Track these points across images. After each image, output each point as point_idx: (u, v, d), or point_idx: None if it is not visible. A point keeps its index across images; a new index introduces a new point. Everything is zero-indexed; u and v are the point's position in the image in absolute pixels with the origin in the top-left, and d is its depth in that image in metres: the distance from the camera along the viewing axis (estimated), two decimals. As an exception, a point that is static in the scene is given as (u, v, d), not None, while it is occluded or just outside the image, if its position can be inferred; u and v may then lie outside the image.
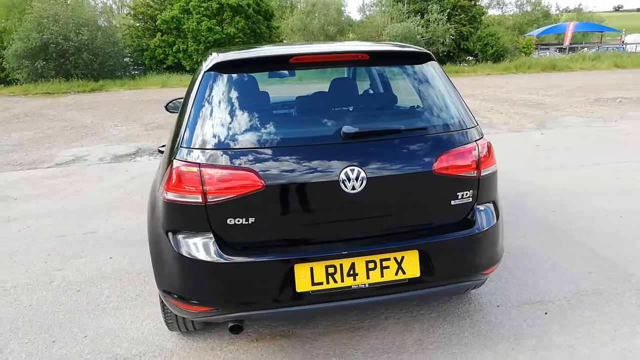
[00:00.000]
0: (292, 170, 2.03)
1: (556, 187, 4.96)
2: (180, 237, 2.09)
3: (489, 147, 2.32)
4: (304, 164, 2.04)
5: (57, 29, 20.54)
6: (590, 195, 4.68)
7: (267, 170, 2.01)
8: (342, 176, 2.02)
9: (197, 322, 2.54)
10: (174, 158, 2.10)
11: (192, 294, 2.11)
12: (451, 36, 22.32)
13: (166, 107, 4.26)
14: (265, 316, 2.15)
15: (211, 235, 2.05)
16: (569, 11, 46.42)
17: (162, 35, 25.64)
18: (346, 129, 2.06)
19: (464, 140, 2.24)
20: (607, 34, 35.08)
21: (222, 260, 2.02)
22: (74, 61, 21.49)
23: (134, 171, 6.40)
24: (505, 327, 2.63)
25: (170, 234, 2.11)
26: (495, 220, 2.32)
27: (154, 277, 3.27)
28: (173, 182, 2.07)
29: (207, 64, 2.28)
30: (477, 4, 24.34)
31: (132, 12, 26.64)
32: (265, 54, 2.35)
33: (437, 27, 22.12)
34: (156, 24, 25.36)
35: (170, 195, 2.08)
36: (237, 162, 2.02)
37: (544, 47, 30.96)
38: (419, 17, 22.45)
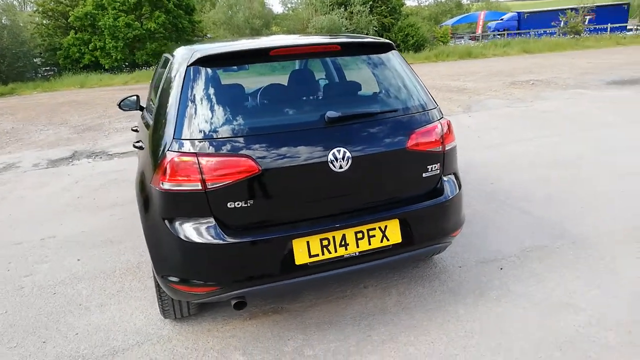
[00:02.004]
0: (285, 154, 2.20)
1: (490, 163, 5.48)
2: (181, 223, 2.20)
3: (449, 125, 2.63)
4: (295, 148, 2.22)
5: (-44, 29, 18.90)
6: (521, 168, 5.22)
7: (262, 155, 2.18)
8: (330, 156, 2.23)
9: (194, 305, 2.66)
10: (168, 150, 2.20)
11: (196, 275, 2.23)
12: (374, 27, 23.05)
13: (119, 106, 4.22)
14: (267, 290, 2.32)
15: (212, 219, 2.19)
16: (478, 1, 49.19)
17: (75, 33, 24.28)
18: (330, 113, 2.27)
19: (429, 120, 2.52)
20: (513, 22, 37.63)
21: (225, 242, 2.16)
22: (-21, 64, 19.88)
23: (77, 175, 6.20)
24: (470, 283, 2.97)
25: (169, 222, 2.22)
26: (458, 190, 2.64)
27: (131, 273, 3.35)
28: (169, 172, 2.17)
29: (186, 59, 2.38)
30: (397, -5, 25.27)
31: (39, 9, 24.94)
32: (246, 48, 2.49)
33: (361, 18, 22.75)
34: (68, 21, 23.96)
35: (167, 185, 2.19)
36: (232, 149, 2.16)
37: (459, 36, 32.72)
38: (342, 9, 22.95)
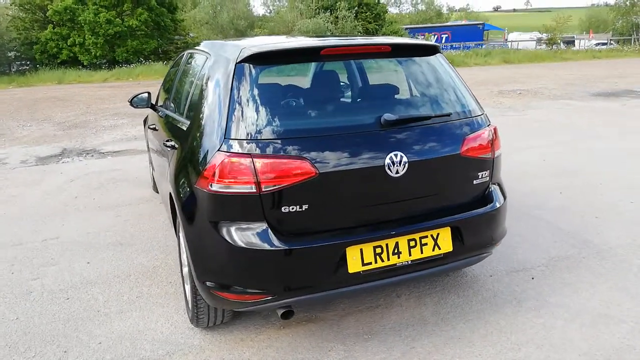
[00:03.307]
0: (342, 157, 2.11)
1: (497, 170, 5.47)
2: (232, 227, 2.08)
3: (496, 131, 2.58)
4: (351, 151, 2.13)
5: None
6: (528, 177, 5.23)
7: (318, 158, 2.08)
8: (387, 161, 2.15)
9: (228, 313, 2.53)
10: (218, 150, 2.09)
11: (245, 283, 2.12)
12: (359, 33, 23.10)
13: (131, 103, 4.05)
14: (317, 299, 2.22)
15: (265, 224, 2.07)
16: (457, 11, 50.06)
17: (54, 28, 23.61)
18: (387, 116, 2.19)
19: (480, 125, 2.47)
20: (492, 32, 38.41)
21: (279, 248, 2.05)
22: (-49, 55, 19.12)
23: (71, 173, 5.95)
24: (504, 293, 2.92)
25: (218, 226, 2.10)
26: (503, 199, 2.59)
27: (148, 277, 3.19)
28: (219, 174, 2.06)
29: (233, 56, 2.26)
30: (381, 2, 25.43)
31: (16, 2, 24.11)
32: (297, 46, 2.39)
33: (346, 23, 22.80)
34: (47, 14, 23.27)
35: (217, 187, 2.07)
36: (289, 151, 2.06)
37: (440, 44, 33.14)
38: (328, 14, 22.95)
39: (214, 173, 2.07)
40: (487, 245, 2.51)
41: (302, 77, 3.51)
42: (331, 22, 22.83)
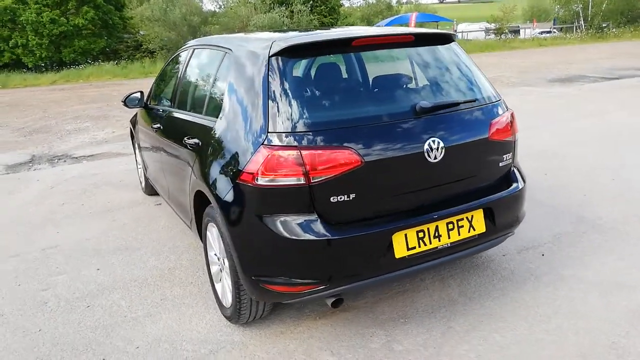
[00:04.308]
0: (384, 146, 2.16)
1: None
2: (281, 219, 2.10)
3: (513, 115, 2.71)
4: (392, 139, 2.19)
5: None
6: (510, 160, 5.46)
7: (362, 147, 2.12)
8: (426, 147, 2.22)
9: (268, 307, 2.54)
10: (262, 144, 2.10)
11: (299, 274, 2.14)
12: (315, 27, 23.14)
13: (125, 103, 3.96)
14: (368, 285, 2.27)
15: (315, 215, 2.10)
16: (405, 3, 51.00)
17: (-7, 29, 22.39)
18: (422, 104, 2.26)
19: (502, 110, 2.59)
20: (441, 23, 39.35)
21: (330, 238, 2.09)
22: None
23: (49, 180, 5.70)
24: (520, 270, 3.07)
25: (267, 219, 2.11)
26: (523, 181, 2.72)
27: (167, 280, 3.13)
28: (265, 167, 2.07)
29: (263, 50, 2.27)
30: (334, -5, 25.60)
31: (-51, 2, 22.66)
32: (329, 38, 2.41)
33: (301, 17, 22.78)
34: (-15, 15, 22.01)
35: (263, 181, 2.08)
36: (334, 141, 2.09)
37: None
38: (283, 8, 22.85)
39: (259, 167, 2.08)
40: (513, 224, 2.63)
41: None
42: (287, 17, 22.76)
